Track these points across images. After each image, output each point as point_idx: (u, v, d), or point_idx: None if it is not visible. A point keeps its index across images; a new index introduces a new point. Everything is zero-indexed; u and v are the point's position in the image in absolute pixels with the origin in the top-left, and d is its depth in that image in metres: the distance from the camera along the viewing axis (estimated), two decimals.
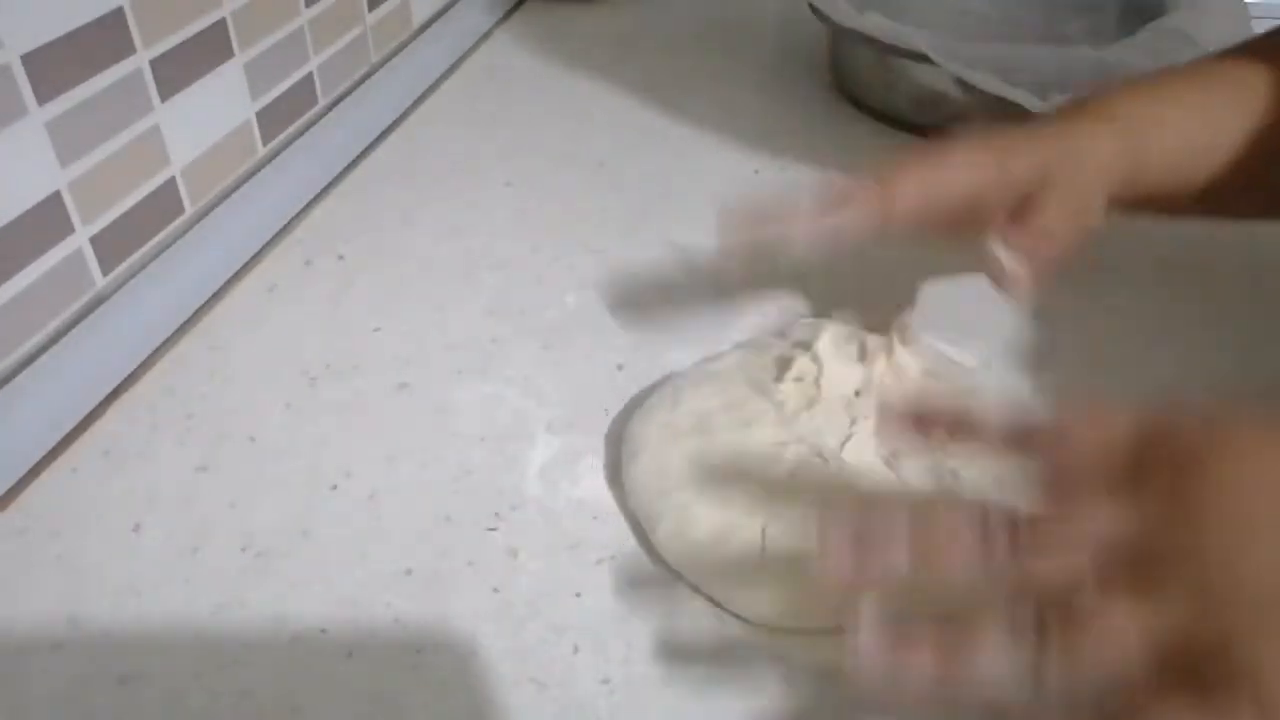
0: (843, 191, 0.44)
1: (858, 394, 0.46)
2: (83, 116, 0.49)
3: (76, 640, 0.40)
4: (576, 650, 0.39)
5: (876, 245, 0.61)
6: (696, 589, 0.41)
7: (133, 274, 0.54)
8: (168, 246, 0.56)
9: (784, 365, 0.48)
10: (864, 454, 0.43)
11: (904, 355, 0.48)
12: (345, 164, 0.70)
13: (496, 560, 0.43)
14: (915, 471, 0.43)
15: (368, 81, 0.74)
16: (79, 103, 0.49)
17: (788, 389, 0.46)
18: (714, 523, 0.41)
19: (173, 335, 0.55)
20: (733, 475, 0.43)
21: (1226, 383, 0.51)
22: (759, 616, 0.40)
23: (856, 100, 0.76)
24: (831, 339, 0.50)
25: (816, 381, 0.46)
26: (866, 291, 0.58)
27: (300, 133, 0.67)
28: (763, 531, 0.40)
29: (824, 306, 0.56)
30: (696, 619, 0.40)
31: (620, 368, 0.52)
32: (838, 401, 0.46)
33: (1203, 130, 0.47)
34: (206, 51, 0.57)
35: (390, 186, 0.68)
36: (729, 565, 0.40)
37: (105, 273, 0.52)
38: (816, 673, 0.38)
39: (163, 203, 0.56)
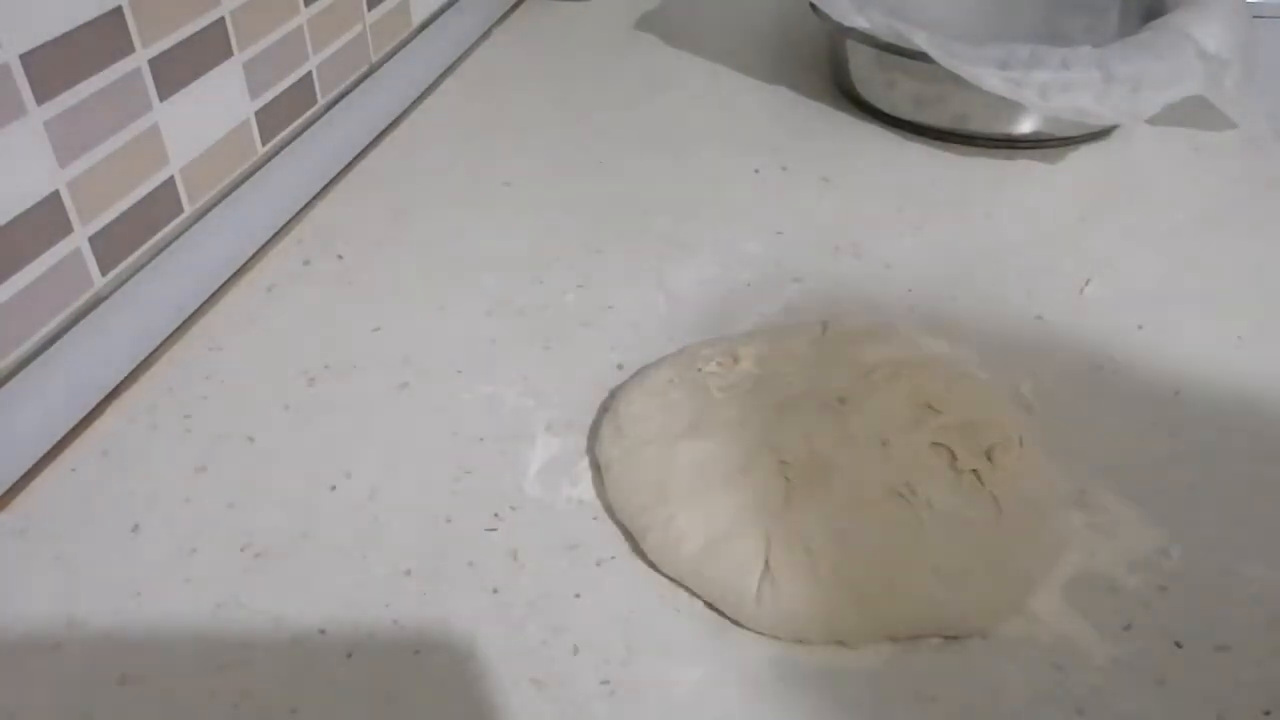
0: None
1: (842, 400, 0.45)
2: (81, 116, 0.49)
3: (76, 640, 0.40)
4: (576, 650, 0.39)
5: (875, 245, 0.61)
6: (694, 592, 0.41)
7: (132, 274, 0.54)
8: (167, 246, 0.56)
9: (726, 368, 0.48)
10: (858, 458, 0.43)
11: (894, 356, 0.48)
12: (345, 164, 0.70)
13: (496, 560, 0.43)
14: (909, 477, 0.43)
15: (367, 81, 0.74)
16: (78, 102, 0.49)
17: (738, 392, 0.46)
18: (705, 535, 0.41)
19: (172, 335, 0.55)
20: (711, 485, 0.42)
21: None
22: (757, 623, 0.40)
23: (856, 100, 0.76)
24: (810, 341, 0.49)
25: (790, 384, 0.46)
26: (863, 292, 0.58)
27: (300, 132, 0.67)
28: (767, 540, 0.40)
29: (820, 308, 0.56)
30: (695, 620, 0.40)
31: (620, 367, 0.52)
32: (815, 405, 0.45)
33: None
34: (205, 51, 0.57)
35: (390, 186, 0.68)
36: (726, 575, 0.40)
37: (104, 272, 0.52)
38: (816, 677, 0.38)
39: (162, 202, 0.56)
